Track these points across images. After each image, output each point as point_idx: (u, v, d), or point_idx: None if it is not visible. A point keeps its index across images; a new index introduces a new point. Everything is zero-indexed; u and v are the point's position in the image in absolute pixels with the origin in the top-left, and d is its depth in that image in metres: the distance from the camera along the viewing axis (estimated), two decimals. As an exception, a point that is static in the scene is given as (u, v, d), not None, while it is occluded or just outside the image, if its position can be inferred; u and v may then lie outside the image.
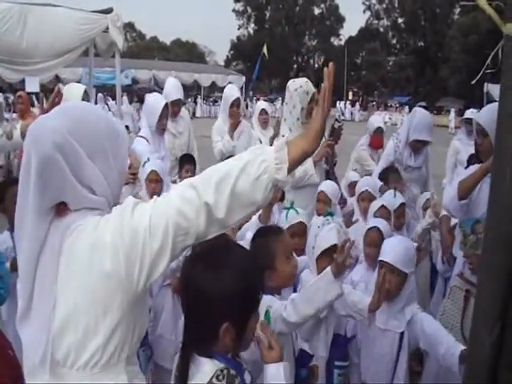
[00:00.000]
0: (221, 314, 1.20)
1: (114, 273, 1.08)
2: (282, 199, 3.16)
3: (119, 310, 1.11)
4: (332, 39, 60.39)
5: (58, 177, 1.11)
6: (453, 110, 26.47)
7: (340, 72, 42.94)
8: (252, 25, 62.54)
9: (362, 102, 41.15)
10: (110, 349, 1.12)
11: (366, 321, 2.13)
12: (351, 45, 51.62)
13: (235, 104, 4.30)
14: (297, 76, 31.93)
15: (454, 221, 2.87)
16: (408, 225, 3.34)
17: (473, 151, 2.89)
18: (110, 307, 1.10)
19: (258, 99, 25.24)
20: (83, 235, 1.12)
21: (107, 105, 14.38)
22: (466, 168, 2.94)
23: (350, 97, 43.39)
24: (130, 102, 18.54)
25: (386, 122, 14.49)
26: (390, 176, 3.54)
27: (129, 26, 57.86)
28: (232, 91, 4.43)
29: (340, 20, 60.61)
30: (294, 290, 2.23)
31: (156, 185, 3.06)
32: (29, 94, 6.47)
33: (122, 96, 10.14)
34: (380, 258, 2.24)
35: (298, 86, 3.40)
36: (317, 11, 61.02)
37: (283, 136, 3.35)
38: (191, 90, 31.65)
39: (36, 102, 9.99)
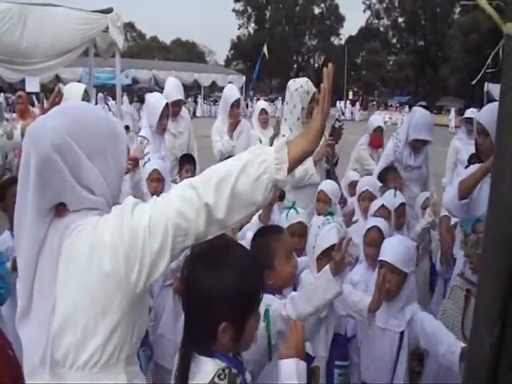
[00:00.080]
0: (220, 314, 1.20)
1: (113, 273, 1.08)
2: (282, 199, 3.16)
3: (119, 310, 1.11)
4: (332, 39, 60.41)
5: (57, 177, 1.11)
6: (453, 110, 26.47)
7: (340, 72, 42.94)
8: (252, 24, 62.64)
9: (362, 101, 41.18)
10: (110, 349, 1.12)
11: (366, 321, 2.13)
12: (351, 44, 51.58)
13: (235, 105, 4.30)
14: (297, 76, 31.95)
15: (454, 220, 2.87)
16: (408, 224, 3.34)
17: (473, 151, 2.88)
18: (110, 307, 1.10)
19: (258, 99, 25.26)
20: (82, 235, 1.12)
21: (107, 105, 14.36)
22: (466, 167, 2.94)
23: (350, 96, 43.39)
24: (130, 102, 18.53)
25: (386, 122, 14.48)
26: (388, 175, 3.54)
27: (129, 26, 57.88)
28: (232, 92, 4.42)
29: (340, 19, 60.61)
30: (294, 291, 2.23)
31: (158, 184, 3.06)
32: (29, 93, 6.47)
33: (122, 96, 10.15)
34: (380, 258, 2.24)
35: (299, 86, 3.39)
36: (317, 11, 61.11)
37: (283, 136, 3.35)
38: (191, 89, 31.65)
39: (36, 102, 9.98)
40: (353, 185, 3.74)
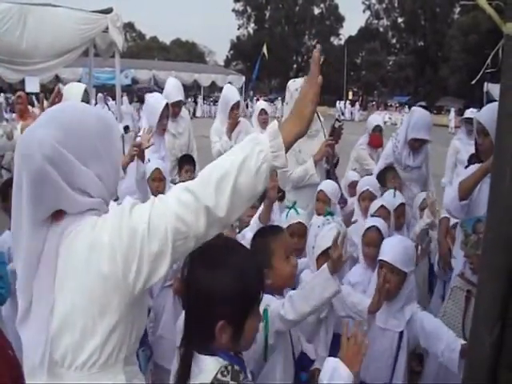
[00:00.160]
0: (219, 313, 1.20)
1: (111, 274, 1.08)
2: (282, 199, 3.16)
3: (117, 310, 1.10)
4: (332, 39, 60.35)
5: (52, 188, 1.10)
6: (453, 110, 26.48)
7: (340, 72, 42.99)
8: (252, 25, 62.62)
9: (361, 101, 41.15)
10: (108, 349, 1.12)
11: (366, 322, 2.12)
12: (351, 44, 51.55)
13: (235, 107, 4.28)
14: (297, 76, 32.00)
15: (454, 220, 2.86)
16: (408, 224, 3.34)
17: (473, 151, 2.88)
18: (108, 308, 1.10)
19: (258, 99, 25.24)
20: (81, 235, 1.12)
21: (107, 105, 14.34)
22: (466, 167, 2.93)
23: (350, 96, 43.37)
24: (130, 102, 18.51)
25: (385, 122, 14.50)
26: (387, 175, 3.53)
27: (129, 26, 57.96)
28: (232, 94, 4.38)
29: (340, 20, 60.60)
30: (294, 291, 2.23)
31: (159, 183, 3.06)
32: (28, 94, 6.47)
33: (121, 96, 10.15)
34: (380, 258, 2.24)
35: (299, 86, 3.39)
36: (316, 11, 61.09)
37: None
38: (191, 89, 31.64)
39: (36, 103, 9.99)
40: (353, 185, 3.74)
